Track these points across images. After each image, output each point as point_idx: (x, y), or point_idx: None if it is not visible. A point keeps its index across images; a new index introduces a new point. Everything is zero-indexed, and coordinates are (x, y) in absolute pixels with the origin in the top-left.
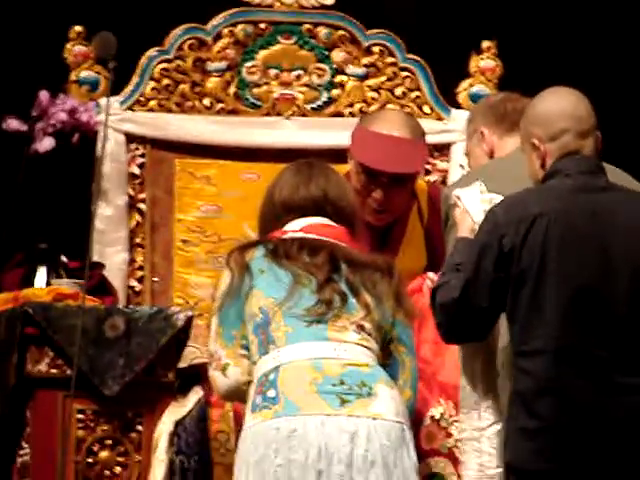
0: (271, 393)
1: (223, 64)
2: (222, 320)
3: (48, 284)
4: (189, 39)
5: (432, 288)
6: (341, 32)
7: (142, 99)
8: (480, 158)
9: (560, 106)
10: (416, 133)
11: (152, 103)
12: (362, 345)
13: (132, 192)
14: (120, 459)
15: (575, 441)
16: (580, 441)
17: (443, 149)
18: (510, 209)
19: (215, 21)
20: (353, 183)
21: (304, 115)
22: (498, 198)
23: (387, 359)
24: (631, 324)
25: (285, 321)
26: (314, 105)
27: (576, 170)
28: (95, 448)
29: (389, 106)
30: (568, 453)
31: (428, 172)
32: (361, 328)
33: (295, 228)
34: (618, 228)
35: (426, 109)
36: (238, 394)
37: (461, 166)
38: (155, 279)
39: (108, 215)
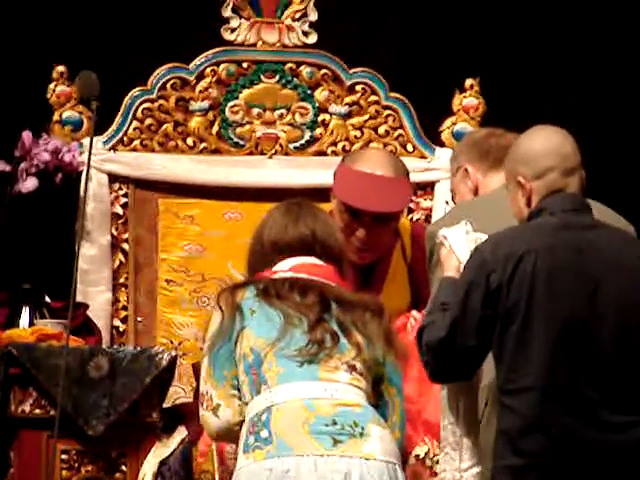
0: (264, 434)
1: (206, 103)
2: (213, 361)
3: (32, 324)
4: (172, 78)
5: (418, 328)
6: (324, 71)
7: (125, 139)
8: (465, 195)
9: (546, 144)
10: (399, 172)
11: (135, 143)
12: (353, 385)
13: (115, 232)
14: None
15: (561, 479)
16: (566, 479)
17: (427, 187)
18: (497, 246)
19: (198, 60)
20: (336, 222)
21: (287, 154)
22: (484, 237)
23: (377, 400)
24: (618, 361)
25: (277, 362)
26: (297, 144)
27: (560, 208)
28: None
29: (372, 144)
30: None
31: (411, 210)
32: (352, 368)
33: (284, 268)
34: (605, 265)
35: (409, 147)
36: (229, 435)
37: (447, 202)
38: (139, 319)
39: (92, 255)
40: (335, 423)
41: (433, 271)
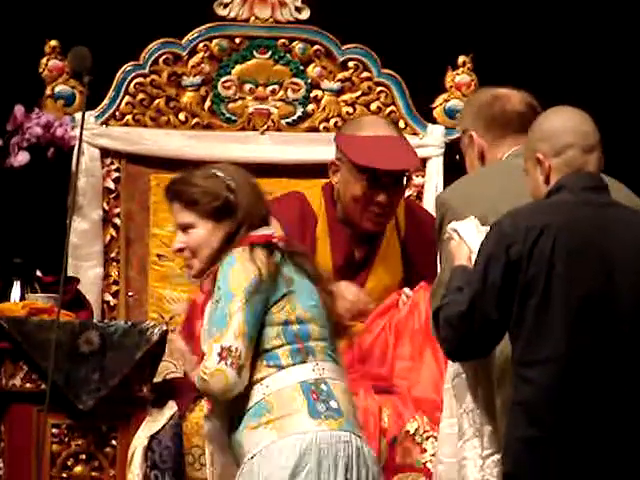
0: (333, 404)
1: (198, 79)
2: (248, 319)
3: (23, 298)
4: (164, 54)
5: (433, 310)
6: (316, 47)
7: (117, 114)
8: (473, 160)
9: (566, 122)
10: (400, 131)
11: (127, 118)
12: None
13: (107, 207)
14: (94, 474)
15: (577, 452)
16: (582, 452)
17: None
18: (517, 219)
19: (190, 36)
20: (349, 193)
21: (279, 130)
22: None
23: None
24: (635, 335)
25: (320, 335)
26: (289, 120)
27: (580, 186)
28: (70, 463)
29: None
30: (569, 464)
31: None
32: None
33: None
34: (622, 244)
35: (401, 124)
36: (233, 395)
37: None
38: (130, 294)
39: (83, 229)
40: None
41: (442, 240)
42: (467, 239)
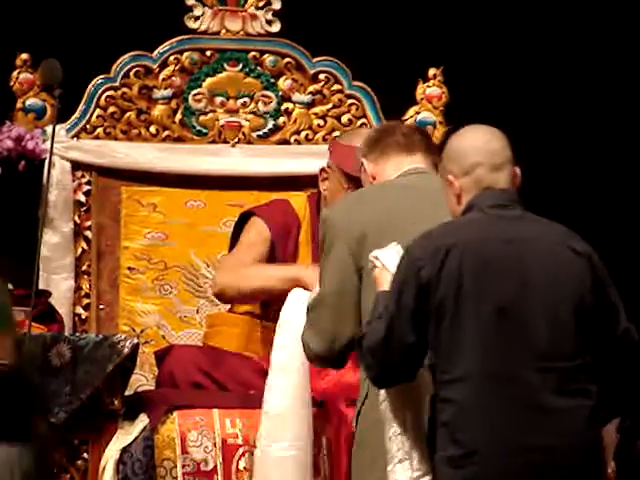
0: None
1: (169, 92)
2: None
3: None
4: (135, 66)
5: (357, 339)
6: (287, 59)
7: (88, 127)
8: (366, 184)
9: (472, 141)
10: None
11: (98, 131)
12: None
13: (78, 219)
14: None
15: (502, 466)
16: (507, 466)
17: None
18: (424, 243)
19: (161, 48)
20: (337, 201)
21: (250, 143)
22: None
23: None
24: (550, 344)
25: None
26: (260, 133)
27: (488, 204)
28: None
29: (335, 134)
30: (496, 478)
31: None
32: None
33: None
34: (533, 254)
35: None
36: None
37: None
38: (101, 306)
39: (54, 242)
40: None
41: (325, 255)
42: (388, 266)
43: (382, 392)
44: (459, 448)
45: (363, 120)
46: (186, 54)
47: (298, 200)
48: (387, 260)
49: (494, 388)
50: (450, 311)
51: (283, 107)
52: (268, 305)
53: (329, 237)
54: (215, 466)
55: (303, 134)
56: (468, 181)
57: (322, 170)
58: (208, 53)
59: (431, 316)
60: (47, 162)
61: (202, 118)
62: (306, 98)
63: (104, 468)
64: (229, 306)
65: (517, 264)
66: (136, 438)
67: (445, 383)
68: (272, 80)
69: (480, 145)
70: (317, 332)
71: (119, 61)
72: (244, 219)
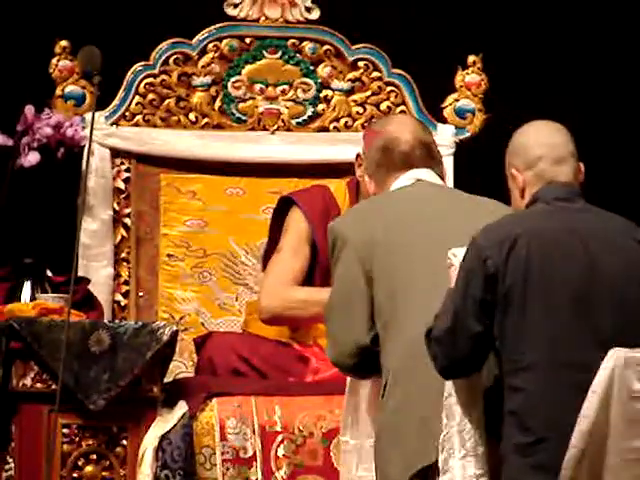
0: None
1: (208, 79)
2: None
3: (33, 299)
4: (174, 53)
5: (425, 332)
6: (326, 47)
7: (127, 114)
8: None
9: (535, 136)
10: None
11: (137, 118)
12: None
13: (117, 207)
14: (105, 474)
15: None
16: None
17: None
18: (490, 233)
19: (200, 36)
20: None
21: (289, 130)
22: None
23: None
24: (615, 332)
25: None
26: (299, 120)
27: (553, 197)
28: (80, 463)
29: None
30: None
31: None
32: None
33: None
34: (598, 245)
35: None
36: None
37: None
38: (140, 294)
39: (93, 230)
40: None
41: (335, 264)
42: None
43: (448, 385)
44: (528, 436)
45: (402, 107)
46: (225, 41)
47: (337, 186)
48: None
49: (563, 375)
50: (518, 299)
51: (322, 94)
52: None
53: (337, 245)
54: (254, 453)
55: (342, 121)
56: (531, 175)
57: (358, 156)
58: (247, 40)
59: (498, 305)
60: (86, 149)
61: (241, 105)
62: (345, 85)
63: (143, 455)
64: None
65: (583, 253)
66: (175, 425)
67: (513, 371)
68: (311, 67)
69: (542, 139)
70: (331, 340)
71: (158, 48)
72: (283, 206)
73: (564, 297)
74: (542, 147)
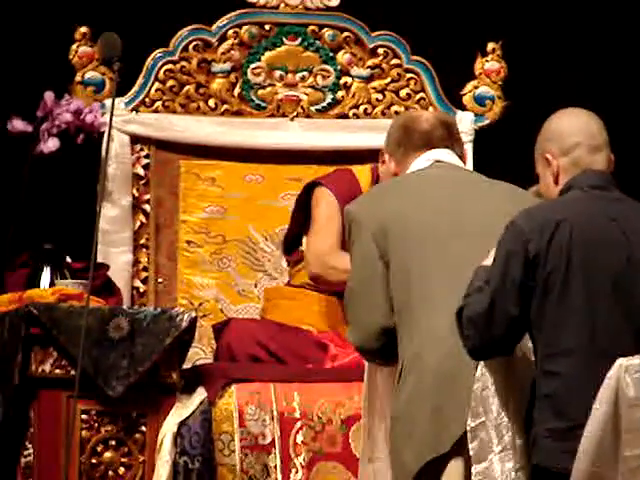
0: None
1: (228, 65)
2: None
3: (52, 285)
4: (194, 40)
5: (456, 311)
6: (346, 34)
7: (147, 100)
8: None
9: (573, 122)
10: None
11: (157, 104)
12: None
13: (137, 193)
14: (124, 460)
15: None
16: None
17: None
18: (532, 217)
19: (220, 22)
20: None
21: (309, 116)
22: None
23: None
24: None
25: None
26: (319, 106)
27: (589, 184)
28: (99, 449)
29: (394, 108)
30: None
31: None
32: None
33: None
34: (636, 231)
35: (430, 111)
36: None
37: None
38: (159, 280)
39: (113, 216)
40: None
41: (351, 248)
42: None
43: (481, 373)
44: (563, 421)
45: (421, 94)
46: (245, 28)
47: (362, 171)
48: None
49: (600, 362)
50: (558, 284)
51: (342, 81)
52: None
53: (353, 229)
54: (273, 439)
55: (362, 108)
56: (567, 161)
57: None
58: (267, 27)
59: (537, 289)
60: (106, 135)
61: (261, 92)
62: (365, 72)
63: (162, 441)
64: (287, 279)
65: (622, 240)
66: (194, 411)
67: (549, 356)
68: (331, 54)
69: (580, 126)
70: (354, 325)
71: (178, 35)
72: (308, 190)
73: (605, 284)
74: (579, 134)
